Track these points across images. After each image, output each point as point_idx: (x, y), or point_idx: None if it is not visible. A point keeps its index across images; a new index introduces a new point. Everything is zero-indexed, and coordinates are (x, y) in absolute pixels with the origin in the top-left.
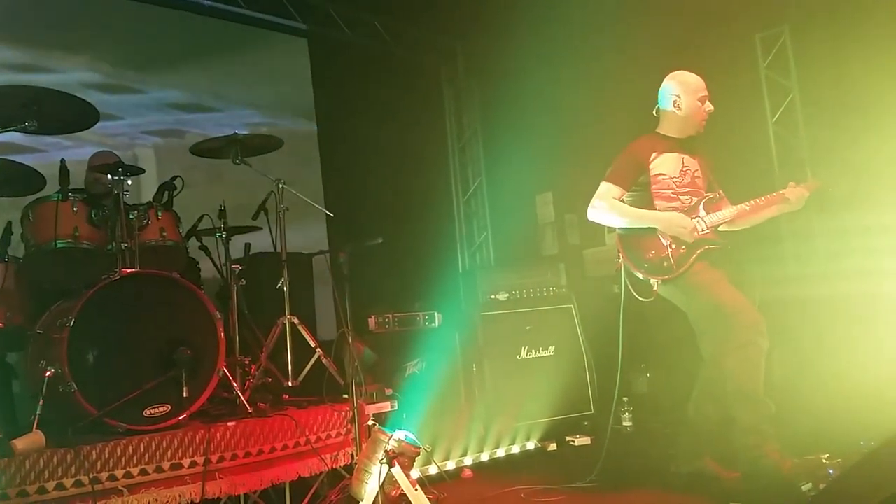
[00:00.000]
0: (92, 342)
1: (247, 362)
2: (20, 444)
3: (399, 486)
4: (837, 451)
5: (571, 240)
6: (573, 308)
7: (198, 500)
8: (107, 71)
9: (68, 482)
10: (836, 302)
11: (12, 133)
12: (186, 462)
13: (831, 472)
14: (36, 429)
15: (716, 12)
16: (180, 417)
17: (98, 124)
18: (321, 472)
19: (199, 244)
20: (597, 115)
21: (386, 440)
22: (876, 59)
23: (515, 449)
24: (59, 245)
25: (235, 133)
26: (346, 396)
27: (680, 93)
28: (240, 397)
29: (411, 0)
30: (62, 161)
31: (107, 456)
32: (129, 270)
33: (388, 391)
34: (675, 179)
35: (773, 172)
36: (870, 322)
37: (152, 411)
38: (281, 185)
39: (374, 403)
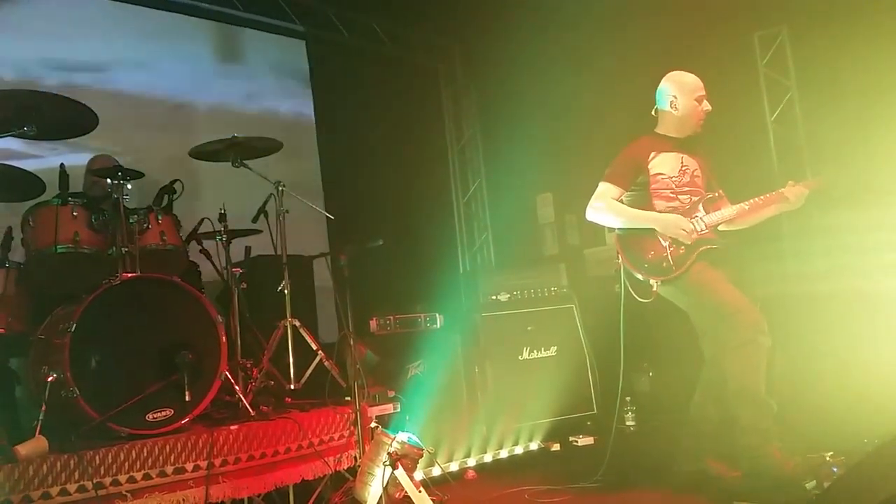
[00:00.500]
0: (94, 347)
1: (249, 365)
2: (23, 449)
3: (403, 488)
4: (841, 449)
5: (572, 240)
6: (574, 308)
7: None
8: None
9: (72, 488)
10: (837, 299)
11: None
12: (190, 466)
13: (835, 469)
14: (39, 434)
15: (714, 11)
16: (183, 421)
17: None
18: (324, 475)
19: (200, 248)
20: (596, 115)
21: (389, 442)
22: (874, 56)
23: (518, 449)
24: (59, 250)
25: (234, 136)
26: (348, 399)
27: (676, 93)
28: (242, 400)
29: (409, 2)
30: (62, 166)
31: (110, 461)
32: (129, 275)
33: (391, 393)
34: (674, 179)
35: (773, 171)
36: (871, 319)
37: (155, 415)
38: (281, 188)
39: (376, 405)
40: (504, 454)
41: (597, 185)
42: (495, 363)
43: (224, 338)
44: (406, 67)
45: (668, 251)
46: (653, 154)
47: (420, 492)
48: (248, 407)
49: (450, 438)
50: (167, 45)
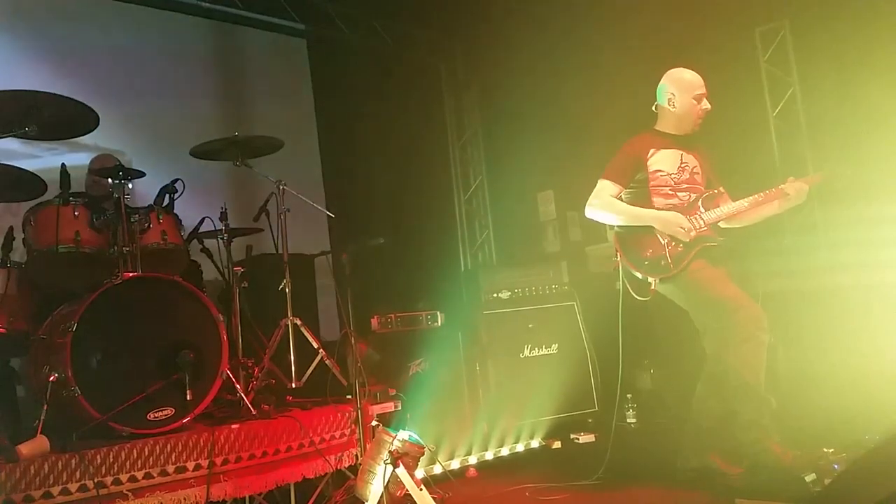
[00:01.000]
0: (95, 346)
1: (250, 364)
2: (25, 449)
3: (404, 487)
4: (841, 445)
5: (573, 237)
6: (576, 305)
7: (203, 503)
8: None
9: (73, 487)
10: (838, 294)
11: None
12: (191, 465)
13: (836, 466)
14: (40, 434)
15: (715, 7)
16: (184, 420)
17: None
18: (326, 474)
19: (201, 247)
20: (597, 112)
21: (390, 440)
22: (876, 51)
23: (520, 447)
24: (60, 250)
25: (236, 134)
26: (349, 397)
27: (675, 90)
28: (243, 399)
29: (410, 0)
30: (63, 166)
31: (111, 460)
32: (130, 274)
33: (392, 391)
34: (673, 176)
35: (775, 166)
36: (872, 314)
37: (156, 415)
38: (282, 187)
39: (377, 404)
40: (505, 452)
41: (597, 183)
42: (496, 361)
43: (225, 336)
44: (407, 65)
45: (667, 249)
46: (652, 151)
47: (421, 490)
48: (250, 405)
49: (451, 436)
50: (167, 44)
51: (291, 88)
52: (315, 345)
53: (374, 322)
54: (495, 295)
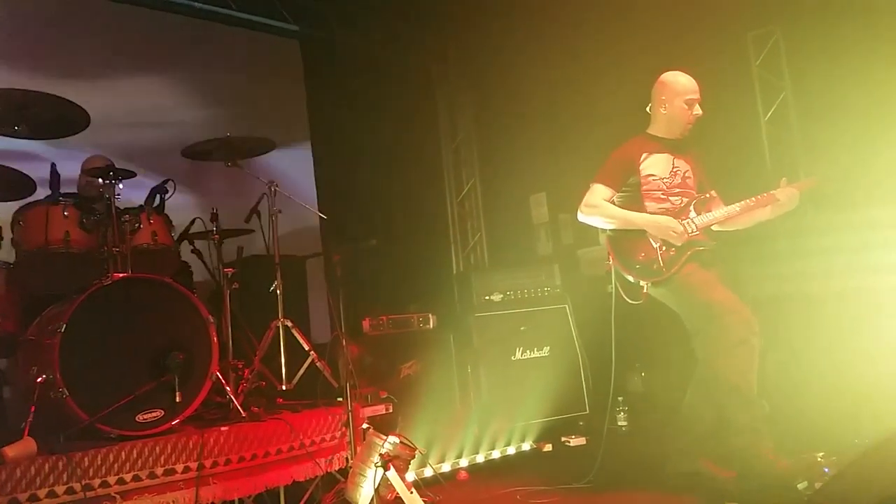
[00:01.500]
0: (84, 347)
1: (240, 366)
2: (11, 451)
3: (394, 490)
4: (832, 450)
5: (565, 240)
6: (568, 308)
7: None
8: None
9: (60, 489)
10: (829, 298)
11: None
12: (180, 467)
13: (826, 470)
14: (27, 436)
15: (707, 12)
16: (173, 422)
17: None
18: (316, 477)
19: (192, 248)
20: (590, 115)
21: (381, 443)
22: (867, 56)
23: (511, 450)
24: (50, 250)
25: (228, 135)
26: (340, 399)
27: (666, 94)
28: (233, 401)
29: (403, 1)
30: (52, 165)
31: (99, 462)
32: (120, 275)
33: (383, 394)
34: (665, 180)
35: (766, 171)
36: (863, 318)
37: (145, 416)
38: (273, 188)
39: (368, 406)
40: (496, 455)
41: (589, 186)
42: (488, 363)
43: (215, 338)
44: (400, 67)
45: (659, 253)
46: (644, 155)
47: (412, 493)
48: (240, 408)
49: (442, 439)
50: (159, 44)
51: (284, 89)
52: (306, 347)
53: (366, 324)
54: (487, 297)
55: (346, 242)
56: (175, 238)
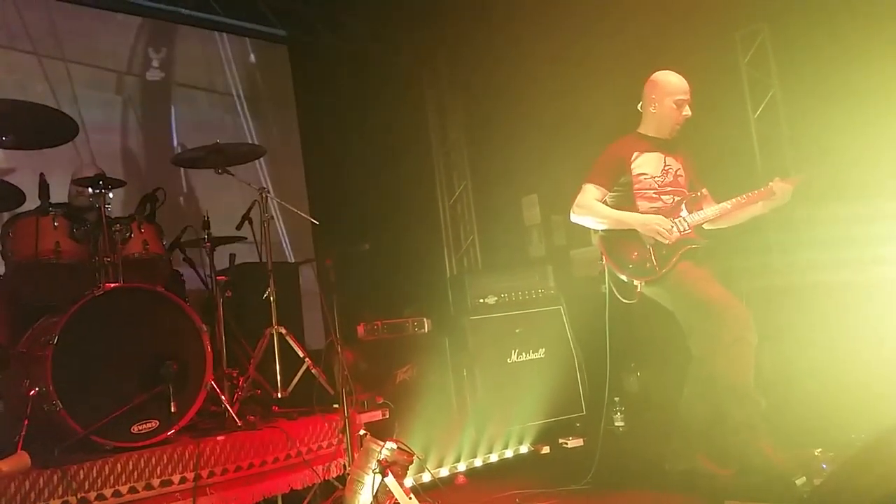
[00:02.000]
0: (76, 359)
1: (235, 374)
2: (5, 465)
3: (393, 496)
4: (829, 445)
5: (558, 241)
6: (562, 309)
7: None
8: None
9: (55, 503)
10: (821, 291)
11: None
12: (176, 478)
13: (824, 465)
14: (21, 450)
15: (695, 11)
16: (169, 433)
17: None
18: (313, 484)
19: (183, 256)
20: (580, 115)
21: (378, 449)
22: (853, 52)
23: (509, 453)
24: (40, 261)
25: (217, 142)
26: (336, 406)
27: (656, 94)
28: (229, 410)
29: (392, 5)
30: (41, 176)
31: (95, 475)
32: (112, 285)
33: (380, 399)
34: (656, 179)
35: (756, 168)
36: (856, 311)
37: (140, 428)
38: (265, 194)
39: (365, 412)
40: (494, 458)
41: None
42: (484, 367)
43: (209, 347)
44: (390, 70)
45: (652, 252)
46: (635, 154)
47: (410, 498)
48: (235, 417)
49: (439, 443)
50: (147, 50)
51: (273, 95)
52: (301, 354)
53: (361, 329)
54: (481, 300)
55: (339, 247)
56: (166, 247)
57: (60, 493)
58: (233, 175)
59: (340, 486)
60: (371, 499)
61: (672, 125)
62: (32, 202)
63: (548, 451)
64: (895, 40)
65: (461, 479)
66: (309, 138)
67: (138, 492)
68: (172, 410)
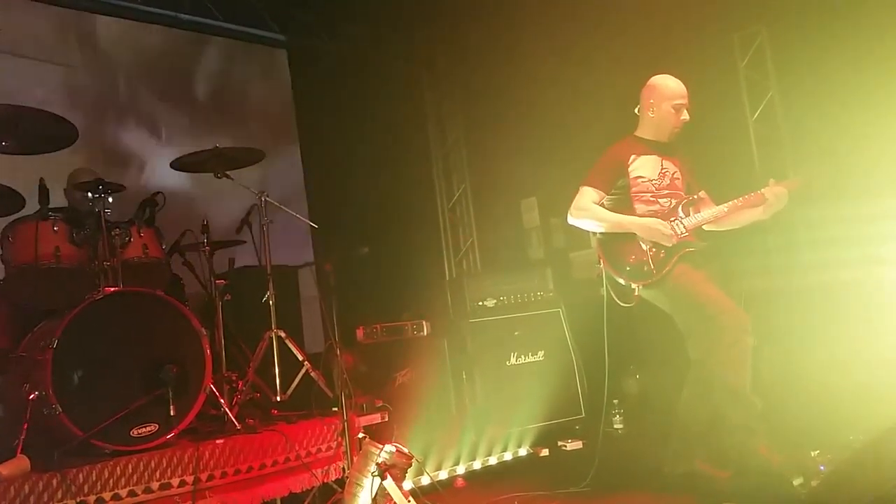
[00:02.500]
0: (76, 363)
1: (234, 378)
2: (5, 469)
3: (392, 499)
4: (827, 447)
5: (557, 244)
6: (561, 312)
7: None
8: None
9: None
10: (819, 293)
11: None
12: (176, 481)
13: (822, 467)
14: (20, 453)
15: (694, 13)
16: (168, 436)
17: None
18: (312, 487)
19: (183, 260)
20: (579, 118)
21: (377, 452)
22: (851, 54)
23: (508, 456)
24: (40, 266)
25: (217, 146)
26: (335, 409)
27: (654, 97)
28: (228, 414)
29: (391, 9)
30: (41, 180)
31: (94, 478)
32: (112, 289)
33: (379, 402)
34: (654, 182)
35: (755, 170)
36: (855, 313)
37: (140, 431)
38: (264, 198)
39: (364, 415)
40: (493, 461)
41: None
42: (483, 369)
43: (208, 350)
44: (389, 73)
45: (649, 255)
46: (633, 157)
47: (409, 501)
48: (234, 420)
49: (439, 446)
50: (146, 56)
51: (272, 99)
52: (300, 357)
53: (360, 333)
54: (480, 303)
55: (338, 251)
56: (166, 251)
57: (60, 496)
58: (232, 179)
59: (339, 490)
60: (370, 502)
61: (670, 129)
62: (32, 207)
63: (547, 453)
64: (893, 43)
65: (460, 481)
66: (308, 142)
67: (137, 495)
68: (172, 414)
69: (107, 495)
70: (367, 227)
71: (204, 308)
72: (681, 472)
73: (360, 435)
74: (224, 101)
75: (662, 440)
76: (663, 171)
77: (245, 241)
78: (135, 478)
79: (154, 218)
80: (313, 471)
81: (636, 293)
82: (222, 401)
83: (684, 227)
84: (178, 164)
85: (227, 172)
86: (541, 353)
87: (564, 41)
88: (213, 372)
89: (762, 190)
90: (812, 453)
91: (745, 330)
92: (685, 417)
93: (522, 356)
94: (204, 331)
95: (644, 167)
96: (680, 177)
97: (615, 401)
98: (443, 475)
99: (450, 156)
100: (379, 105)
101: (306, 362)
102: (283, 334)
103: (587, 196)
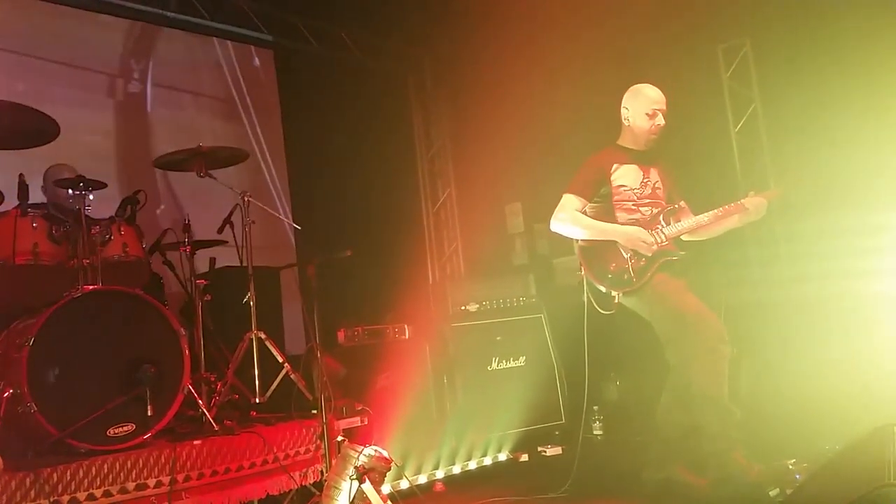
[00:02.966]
0: (53, 361)
1: (213, 379)
2: None
3: (370, 502)
4: (803, 456)
5: (541, 249)
6: (543, 318)
7: None
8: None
9: None
10: (798, 305)
11: None
12: (152, 482)
13: (798, 476)
14: None
15: (679, 25)
16: (145, 436)
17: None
18: (290, 490)
19: (163, 259)
20: (565, 125)
21: (356, 455)
22: (834, 67)
23: (487, 461)
24: (17, 262)
25: (200, 145)
26: (315, 412)
27: (629, 105)
28: (206, 415)
29: (378, 10)
30: (20, 176)
31: (69, 478)
32: (90, 287)
33: (359, 405)
34: (635, 191)
35: (737, 181)
36: (833, 325)
37: (116, 431)
38: (247, 198)
39: (343, 418)
40: (473, 466)
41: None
42: (464, 374)
43: (187, 351)
44: (375, 76)
45: (630, 263)
46: (615, 166)
47: None
48: (212, 421)
49: (418, 450)
50: (131, 53)
51: (258, 99)
52: (280, 359)
53: (341, 335)
54: (463, 307)
55: (321, 253)
56: (146, 249)
57: (33, 496)
58: (215, 178)
59: (317, 492)
60: None
61: (646, 136)
62: (11, 202)
63: (526, 458)
64: (875, 56)
65: (439, 486)
66: (293, 143)
67: (113, 495)
68: (149, 414)
69: (81, 495)
70: (351, 230)
71: (184, 308)
72: (659, 478)
73: (340, 438)
74: (209, 99)
75: (642, 447)
76: (645, 180)
77: (227, 242)
78: (110, 478)
79: (135, 216)
80: (291, 473)
81: (616, 301)
82: (200, 402)
83: (664, 235)
84: (160, 163)
85: (210, 172)
86: (522, 359)
87: (550, 49)
88: (192, 372)
89: (742, 200)
90: (788, 463)
91: (722, 339)
92: (663, 424)
93: (504, 361)
94: (183, 331)
95: (626, 176)
96: (661, 186)
97: (595, 407)
98: (422, 479)
99: (435, 160)
100: (365, 108)
101: (286, 364)
102: (263, 336)
103: (570, 203)
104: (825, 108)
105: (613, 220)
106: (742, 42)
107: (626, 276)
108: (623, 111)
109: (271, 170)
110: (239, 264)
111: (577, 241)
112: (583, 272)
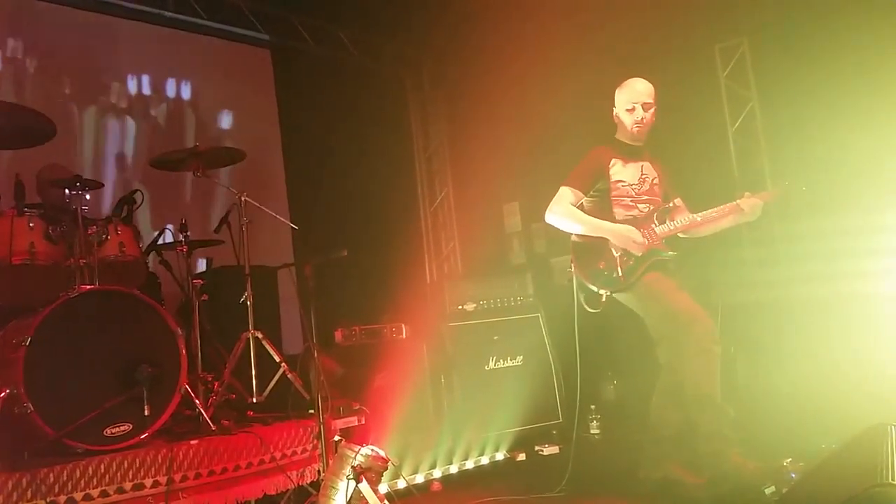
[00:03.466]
0: (49, 361)
1: (210, 378)
2: None
3: (367, 502)
4: (799, 455)
5: (538, 249)
6: (540, 317)
7: None
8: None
9: None
10: (796, 306)
11: None
12: (149, 482)
13: (793, 475)
14: None
15: (676, 24)
16: (142, 436)
17: None
18: (287, 490)
19: (160, 259)
20: (562, 124)
21: (353, 455)
22: (831, 67)
23: (484, 460)
24: (14, 262)
25: (197, 145)
26: (312, 412)
27: (616, 99)
28: (203, 414)
29: (376, 11)
30: (17, 176)
31: (65, 478)
32: (87, 287)
33: (356, 405)
34: (634, 187)
35: (734, 180)
36: (829, 325)
37: (113, 430)
38: (244, 198)
39: (341, 418)
40: (470, 465)
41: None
42: (461, 373)
43: (184, 350)
44: (373, 76)
45: (619, 262)
46: (614, 161)
47: None
48: (209, 421)
49: (415, 450)
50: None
51: (255, 99)
52: (277, 358)
53: (338, 335)
54: (460, 307)
55: (318, 252)
56: (143, 249)
57: (30, 496)
58: (212, 178)
59: (314, 492)
60: None
61: (629, 129)
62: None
63: (524, 458)
64: (872, 57)
65: (436, 485)
66: (290, 142)
67: (110, 495)
68: (146, 414)
69: (78, 495)
70: (348, 230)
71: (181, 308)
72: (656, 477)
73: (337, 438)
74: (205, 99)
75: (638, 446)
76: (643, 176)
77: (224, 241)
78: (107, 478)
79: (132, 216)
80: (288, 473)
81: (603, 299)
82: (197, 401)
83: (656, 234)
84: (157, 163)
85: (207, 172)
86: (519, 358)
87: (550, 49)
88: (189, 372)
89: (738, 201)
90: (784, 462)
91: (713, 339)
92: (656, 422)
93: (501, 360)
94: (180, 331)
95: (624, 171)
96: (658, 183)
97: (592, 406)
98: (419, 479)
99: (433, 159)
100: (362, 107)
101: (283, 364)
102: (260, 335)
103: (565, 197)
104: (822, 107)
105: (610, 216)
106: (739, 42)
107: (614, 275)
108: (614, 106)
109: (269, 170)
110: (236, 264)
111: (571, 236)
112: (573, 269)
